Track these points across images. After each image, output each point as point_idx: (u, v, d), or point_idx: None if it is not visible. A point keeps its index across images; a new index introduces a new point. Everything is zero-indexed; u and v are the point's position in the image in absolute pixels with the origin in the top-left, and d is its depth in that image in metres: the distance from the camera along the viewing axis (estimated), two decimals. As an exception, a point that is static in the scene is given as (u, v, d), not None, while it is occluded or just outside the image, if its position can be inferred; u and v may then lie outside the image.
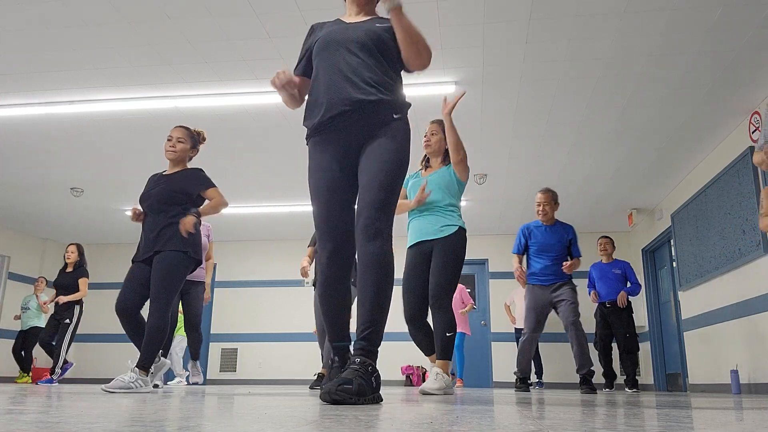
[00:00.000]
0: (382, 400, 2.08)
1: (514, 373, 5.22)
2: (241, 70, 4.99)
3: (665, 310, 8.59)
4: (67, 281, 6.81)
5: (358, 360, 2.01)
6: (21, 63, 4.92)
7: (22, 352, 7.84)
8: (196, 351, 5.67)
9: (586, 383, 4.91)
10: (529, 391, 5.11)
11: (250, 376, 10.04)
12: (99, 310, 10.66)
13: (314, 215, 2.31)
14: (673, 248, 7.91)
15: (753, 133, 5.56)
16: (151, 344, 3.41)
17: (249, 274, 10.52)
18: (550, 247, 5.10)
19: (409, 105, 2.37)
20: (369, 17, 2.43)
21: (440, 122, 4.04)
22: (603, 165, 7.00)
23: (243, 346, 10.16)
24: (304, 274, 5.52)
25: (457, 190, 3.89)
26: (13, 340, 7.97)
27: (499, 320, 9.57)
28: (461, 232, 3.78)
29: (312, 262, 5.60)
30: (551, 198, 5.15)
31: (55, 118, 5.85)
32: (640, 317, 9.18)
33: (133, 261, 3.67)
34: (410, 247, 3.90)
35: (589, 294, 6.47)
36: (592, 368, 4.93)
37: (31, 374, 8.25)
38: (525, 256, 5.27)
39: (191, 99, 5.47)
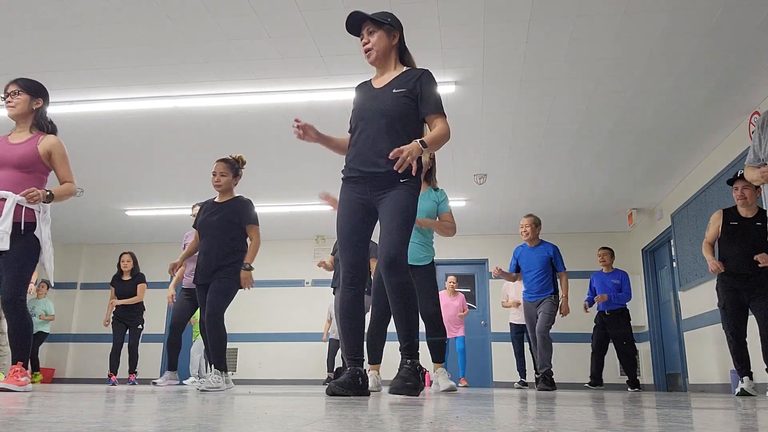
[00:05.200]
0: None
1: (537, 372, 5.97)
2: (241, 70, 4.98)
3: (665, 310, 8.59)
4: (128, 289, 7.24)
5: (409, 362, 2.69)
6: (21, 63, 4.92)
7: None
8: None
9: (545, 381, 5.61)
10: (555, 388, 5.75)
11: (250, 376, 10.04)
12: (100, 311, 10.66)
13: (338, 243, 2.89)
14: (673, 248, 7.91)
15: (753, 133, 5.56)
16: (222, 349, 4.13)
17: (249, 274, 10.51)
18: (532, 265, 5.87)
19: (420, 168, 2.83)
20: (393, 77, 2.89)
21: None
22: (603, 165, 7.00)
23: (243, 346, 10.15)
24: (324, 266, 5.99)
25: (435, 217, 4.28)
26: None
27: (499, 320, 9.56)
28: (434, 262, 4.28)
29: (332, 268, 5.95)
30: (533, 222, 5.96)
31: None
32: (640, 317, 9.18)
33: (194, 283, 4.34)
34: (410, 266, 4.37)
35: (588, 303, 7.09)
36: (551, 369, 5.66)
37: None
38: (520, 273, 6.09)
39: (191, 99, 5.46)
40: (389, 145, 2.73)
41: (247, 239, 4.34)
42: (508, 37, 4.49)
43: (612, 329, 6.84)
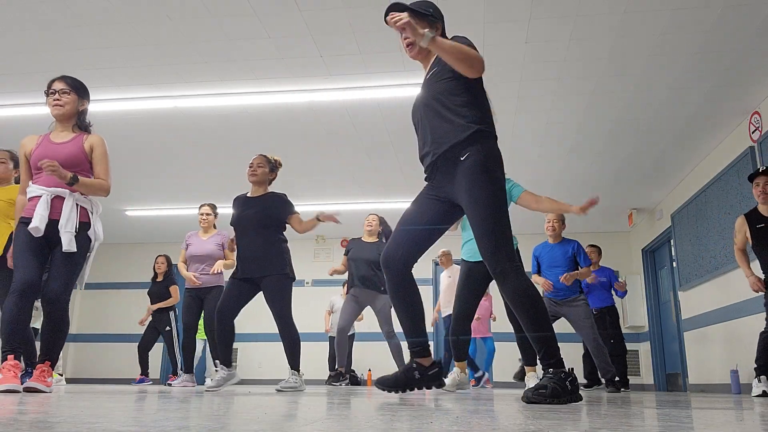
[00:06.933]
0: (580, 399, 2.35)
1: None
2: (241, 70, 4.98)
3: (665, 310, 8.59)
4: (160, 290, 7.26)
5: (551, 370, 2.34)
6: (21, 63, 4.92)
7: None
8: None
9: (613, 384, 5.50)
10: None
11: (250, 376, 10.04)
12: (100, 311, 10.66)
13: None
14: (673, 248, 7.91)
15: (753, 133, 5.56)
16: (296, 349, 4.24)
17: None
18: (555, 262, 5.57)
19: (480, 131, 2.50)
20: (434, 61, 2.72)
21: None
22: (603, 165, 7.00)
23: (243, 346, 10.15)
24: (332, 272, 5.97)
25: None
26: None
27: (499, 320, 9.55)
28: None
29: (345, 271, 5.96)
30: (559, 218, 5.64)
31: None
32: (640, 317, 9.18)
33: (233, 277, 4.22)
34: (468, 261, 4.27)
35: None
36: (614, 371, 5.46)
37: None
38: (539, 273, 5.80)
39: (191, 99, 5.46)
40: (443, 123, 2.56)
41: (284, 233, 4.37)
42: (508, 38, 4.48)
43: (601, 328, 6.62)
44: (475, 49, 2.56)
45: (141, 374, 7.28)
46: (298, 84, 5.21)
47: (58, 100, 3.28)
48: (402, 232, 2.66)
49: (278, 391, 4.03)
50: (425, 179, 2.73)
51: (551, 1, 4.06)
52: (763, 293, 4.54)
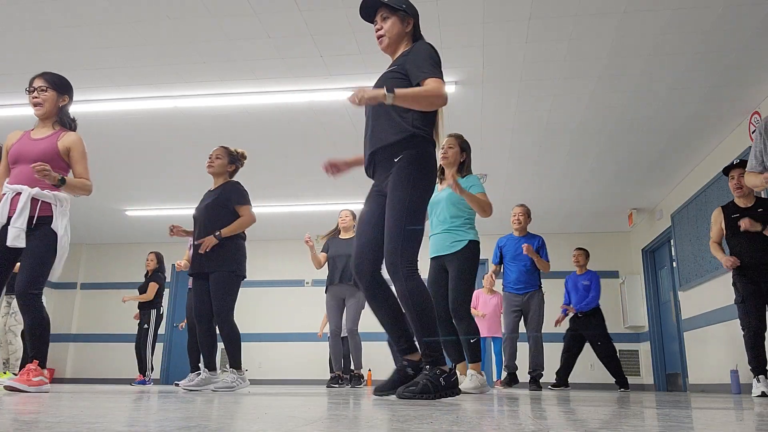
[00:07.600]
0: (457, 394, 2.53)
1: (505, 368, 5.83)
2: (241, 70, 4.99)
3: (665, 310, 8.59)
4: (143, 287, 7.37)
5: (428, 367, 2.51)
6: (21, 63, 4.92)
7: None
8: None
9: (535, 382, 5.69)
10: (518, 383, 5.81)
11: (250, 376, 10.04)
12: (99, 311, 10.66)
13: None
14: (673, 248, 7.91)
15: (753, 133, 5.56)
16: (234, 348, 4.04)
17: (249, 274, 10.49)
18: (520, 254, 5.71)
19: (415, 135, 2.59)
20: (394, 60, 2.76)
21: (457, 136, 4.21)
22: (603, 165, 7.00)
23: (243, 346, 10.11)
24: (309, 243, 5.66)
25: (462, 207, 4.20)
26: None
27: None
28: (471, 245, 4.10)
29: (322, 265, 5.99)
30: (525, 211, 5.84)
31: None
32: (640, 317, 9.18)
33: (189, 274, 4.23)
34: (431, 258, 4.25)
35: (563, 312, 6.71)
36: (542, 372, 5.71)
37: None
38: (502, 266, 5.93)
39: (191, 99, 5.47)
40: (384, 120, 2.64)
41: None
42: (508, 37, 4.48)
43: (585, 330, 6.54)
44: (438, 60, 2.67)
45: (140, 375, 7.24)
46: (298, 84, 5.21)
47: (36, 98, 3.30)
48: (361, 237, 2.72)
49: (213, 391, 3.85)
50: (366, 175, 2.79)
51: (551, 1, 4.06)
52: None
